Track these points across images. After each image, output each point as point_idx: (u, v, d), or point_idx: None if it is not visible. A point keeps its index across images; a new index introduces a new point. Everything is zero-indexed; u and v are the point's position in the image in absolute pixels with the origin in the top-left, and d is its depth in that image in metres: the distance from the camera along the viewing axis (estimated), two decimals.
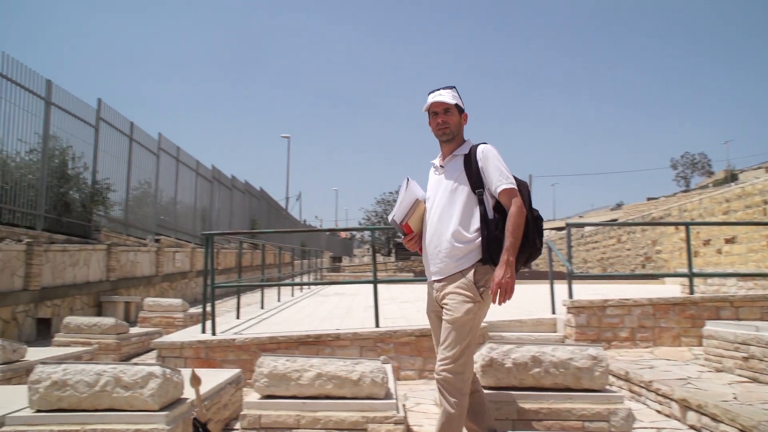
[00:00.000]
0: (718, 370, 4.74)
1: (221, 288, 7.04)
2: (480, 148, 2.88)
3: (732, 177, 48.80)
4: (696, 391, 3.97)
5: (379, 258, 36.52)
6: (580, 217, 67.43)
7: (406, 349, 5.74)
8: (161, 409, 2.96)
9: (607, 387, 3.58)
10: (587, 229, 25.36)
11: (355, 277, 22.79)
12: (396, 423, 3.19)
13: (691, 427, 3.79)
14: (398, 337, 5.74)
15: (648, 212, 21.66)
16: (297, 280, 16.53)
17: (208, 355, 5.55)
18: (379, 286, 6.22)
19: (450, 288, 2.78)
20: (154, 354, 5.87)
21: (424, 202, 2.97)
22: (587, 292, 8.87)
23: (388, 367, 4.10)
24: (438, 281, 2.84)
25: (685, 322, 6.20)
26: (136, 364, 3.08)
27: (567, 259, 6.79)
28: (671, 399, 4.05)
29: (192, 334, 6.14)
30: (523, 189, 2.83)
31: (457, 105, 2.89)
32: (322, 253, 27.95)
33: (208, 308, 6.23)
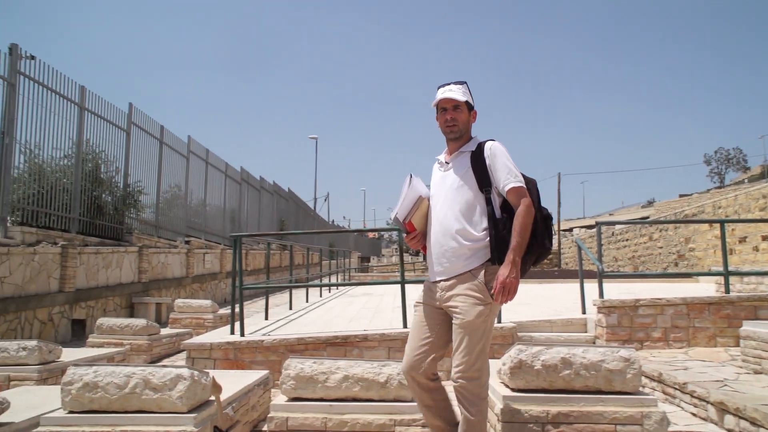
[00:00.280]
0: (757, 372, 4.60)
1: (250, 289, 7.09)
2: (488, 145, 2.82)
3: None
4: (734, 393, 3.86)
5: (408, 258, 36.50)
6: (611, 215, 66.40)
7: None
8: (189, 411, 2.99)
9: (640, 389, 3.49)
10: (618, 227, 24.94)
11: (383, 277, 22.78)
12: (423, 426, 3.16)
13: (729, 431, 3.68)
14: None
15: (681, 209, 21.20)
16: (325, 280, 16.60)
17: (237, 356, 5.60)
18: (408, 286, 6.20)
19: (459, 289, 2.70)
20: (184, 355, 5.94)
21: (428, 200, 2.88)
22: (618, 291, 8.71)
23: None
24: (444, 281, 2.75)
25: (721, 322, 6.04)
26: (164, 366, 3.11)
27: (597, 258, 6.67)
28: (707, 402, 3.94)
29: (221, 335, 6.20)
30: (531, 187, 2.79)
31: (467, 102, 2.82)
32: (350, 253, 28.05)
33: (237, 309, 6.28)
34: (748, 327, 4.96)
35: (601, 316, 6.09)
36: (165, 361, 7.32)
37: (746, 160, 62.45)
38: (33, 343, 4.89)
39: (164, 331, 8.08)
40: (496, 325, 5.82)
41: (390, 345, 5.68)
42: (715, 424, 3.83)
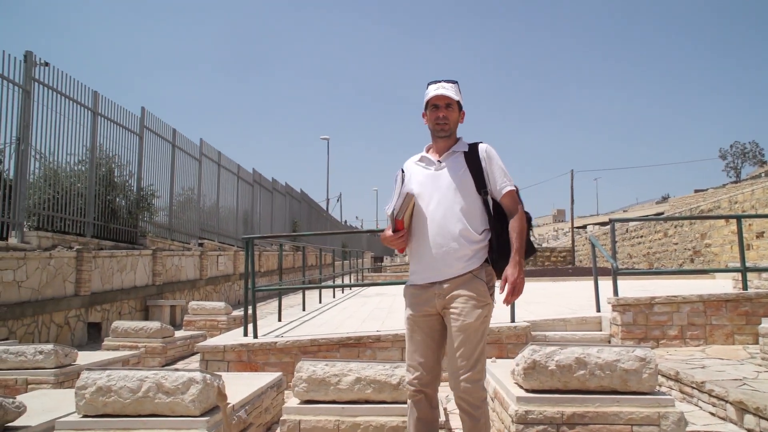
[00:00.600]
0: None
1: (263, 291, 7.11)
2: (483, 147, 2.81)
3: None
4: (753, 392, 3.79)
5: None
6: (624, 211, 65.86)
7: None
8: (202, 415, 2.99)
9: (657, 389, 3.44)
10: (632, 223, 24.70)
11: (397, 277, 22.76)
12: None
13: (749, 431, 3.61)
14: None
15: (696, 205, 20.97)
16: (338, 281, 16.61)
17: (250, 358, 5.61)
18: None
19: (459, 291, 2.64)
20: (198, 357, 5.96)
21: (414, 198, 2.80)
22: (633, 288, 8.62)
23: None
24: (440, 283, 2.67)
25: (739, 319, 5.95)
26: (177, 369, 3.12)
27: (611, 256, 6.61)
28: (726, 401, 3.87)
29: (234, 337, 6.22)
30: (517, 190, 2.86)
31: (458, 102, 2.80)
32: (363, 253, 28.05)
33: (250, 311, 6.29)
34: (767, 324, 4.88)
35: (616, 315, 6.03)
36: (179, 364, 7.36)
37: (763, 153, 61.63)
38: (49, 346, 4.94)
39: (178, 334, 8.12)
40: (510, 324, 5.78)
41: (404, 346, 5.63)
42: (735, 423, 3.77)
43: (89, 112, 10.58)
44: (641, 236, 23.17)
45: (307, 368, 3.34)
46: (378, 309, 8.75)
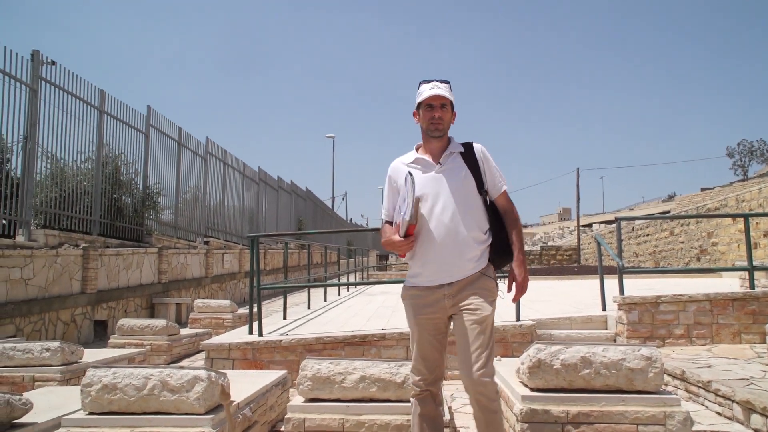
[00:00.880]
0: None
1: (268, 289, 7.12)
2: (479, 148, 2.84)
3: None
4: (760, 392, 3.77)
5: None
6: (631, 210, 65.63)
7: (453, 348, 5.63)
8: (207, 412, 3.00)
9: (663, 388, 3.43)
10: (638, 221, 24.61)
11: (402, 275, 22.76)
12: None
13: (756, 431, 3.59)
14: None
15: (702, 203, 20.87)
16: (343, 279, 16.63)
17: (255, 356, 5.62)
18: None
19: (471, 289, 2.67)
20: (203, 355, 5.98)
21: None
22: (639, 287, 8.59)
23: None
24: (449, 284, 2.68)
25: (746, 318, 5.92)
26: (182, 367, 3.13)
27: (617, 254, 6.58)
28: (733, 401, 3.85)
29: (239, 335, 6.23)
30: None
31: (452, 102, 2.80)
32: (368, 251, 28.06)
33: (255, 309, 6.30)
34: None
35: (621, 313, 6.01)
36: (185, 362, 7.38)
37: None
38: (56, 344, 4.96)
39: (184, 332, 8.15)
40: (515, 323, 5.77)
41: (408, 344, 5.65)
42: (741, 423, 3.75)
43: (95, 110, 10.62)
44: (647, 235, 23.08)
45: (312, 366, 3.34)
46: (383, 307, 8.75)
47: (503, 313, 5.16)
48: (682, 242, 19.75)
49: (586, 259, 31.74)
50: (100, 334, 9.23)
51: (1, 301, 7.21)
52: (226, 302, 9.83)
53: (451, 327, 2.76)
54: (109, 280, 9.62)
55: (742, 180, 50.55)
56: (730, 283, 9.70)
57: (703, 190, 47.51)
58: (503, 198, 2.83)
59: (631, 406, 3.25)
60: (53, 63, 9.39)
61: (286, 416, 3.28)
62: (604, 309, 6.58)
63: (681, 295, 6.00)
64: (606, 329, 6.31)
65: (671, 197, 61.51)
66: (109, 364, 3.89)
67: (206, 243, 14.88)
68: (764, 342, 5.58)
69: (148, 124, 12.59)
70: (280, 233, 18.21)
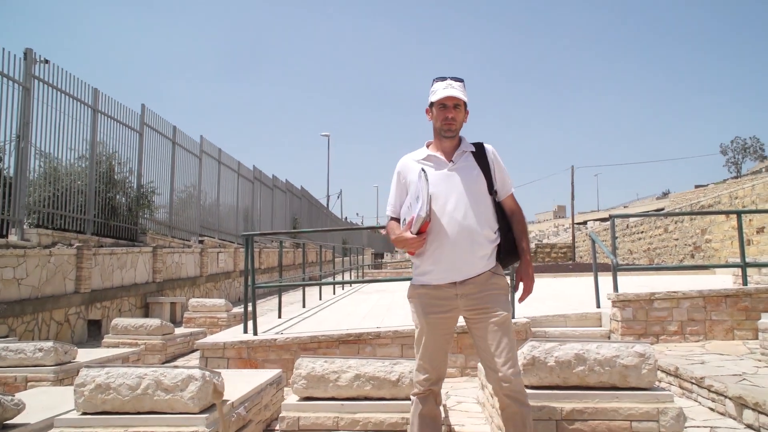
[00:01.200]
0: None
1: (262, 288, 7.11)
2: (490, 149, 2.86)
3: None
4: (753, 388, 3.79)
5: None
6: (625, 207, 65.86)
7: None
8: (201, 412, 2.99)
9: (656, 384, 3.45)
10: (633, 219, 24.69)
11: (396, 273, 22.76)
12: None
13: (749, 426, 3.62)
14: None
15: (696, 200, 20.95)
16: (338, 277, 16.62)
17: (250, 355, 5.61)
18: None
19: (486, 288, 2.69)
20: (198, 354, 5.97)
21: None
22: (633, 284, 8.62)
23: None
24: (461, 282, 2.68)
25: (739, 314, 5.95)
26: (176, 366, 3.12)
27: (611, 252, 6.61)
28: (725, 396, 3.88)
29: (234, 334, 6.22)
30: None
31: (465, 102, 2.79)
32: (363, 249, 28.04)
33: (250, 308, 6.30)
34: (766, 319, 4.88)
35: (615, 310, 6.03)
36: (179, 361, 7.37)
37: (763, 149, 61.63)
38: (49, 344, 4.94)
39: (178, 331, 8.13)
40: None
41: (403, 342, 5.66)
42: (734, 419, 3.77)
43: (89, 109, 10.57)
44: (642, 232, 23.16)
45: (306, 365, 3.34)
46: (378, 306, 8.75)
47: None
48: (676, 239, 19.84)
49: (581, 257, 31.83)
50: (94, 333, 9.20)
51: None
52: (221, 301, 9.82)
53: (462, 327, 2.81)
54: (103, 280, 9.59)
55: (736, 177, 50.79)
56: (724, 280, 9.75)
57: (697, 187, 47.73)
58: (511, 199, 2.87)
59: (625, 402, 3.27)
60: (46, 61, 9.34)
61: (280, 415, 3.28)
62: (598, 306, 6.61)
63: (675, 292, 6.03)
64: (600, 326, 6.34)
65: (665, 194, 61.77)
66: (102, 363, 3.87)
67: (201, 242, 14.85)
68: (757, 338, 5.60)
69: (143, 122, 12.54)
70: (274, 232, 18.19)
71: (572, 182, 37.64)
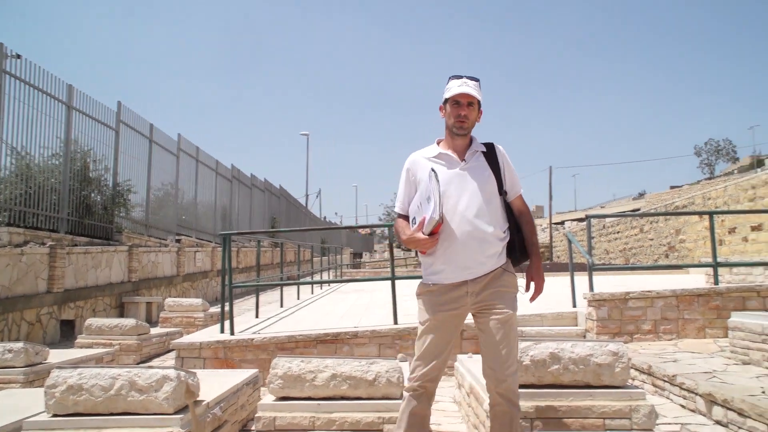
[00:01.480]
0: (745, 363, 4.62)
1: (240, 287, 7.06)
2: (500, 149, 2.88)
3: (758, 163, 47.82)
4: (722, 385, 3.87)
5: (400, 254, 36.50)
6: (602, 207, 66.71)
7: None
8: (176, 412, 2.96)
9: (629, 382, 3.50)
10: (609, 219, 25.02)
11: (375, 273, 22.78)
12: None
13: (717, 422, 3.69)
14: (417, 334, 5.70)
15: (671, 201, 21.30)
16: (317, 277, 16.57)
17: (227, 355, 5.57)
18: (401, 282, 6.18)
19: (494, 286, 2.71)
20: (174, 354, 5.91)
21: None
22: (609, 284, 8.73)
23: (405, 366, 4.06)
24: (472, 281, 2.70)
25: (710, 313, 6.06)
26: (151, 367, 3.08)
27: (587, 251, 6.68)
28: (696, 393, 3.95)
29: (211, 334, 6.17)
30: None
31: (479, 101, 2.80)
32: (342, 249, 28.00)
33: (227, 308, 6.25)
34: (736, 318, 4.98)
35: (591, 310, 6.10)
36: (155, 361, 7.28)
37: (735, 151, 62.87)
38: (19, 345, 4.85)
39: (154, 331, 8.03)
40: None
41: (381, 341, 5.67)
42: (704, 415, 3.84)
43: (63, 106, 10.39)
44: (618, 232, 23.48)
45: (283, 365, 3.33)
46: (356, 305, 8.75)
47: None
48: (652, 239, 20.15)
49: (559, 257, 32.17)
50: (67, 334, 9.05)
51: None
52: (198, 301, 9.72)
53: (471, 323, 2.79)
54: (77, 279, 9.43)
55: (709, 178, 51.79)
56: (697, 280, 9.93)
57: (672, 188, 48.53)
58: (520, 200, 2.90)
59: (599, 400, 3.31)
60: (18, 56, 9.16)
61: (256, 415, 3.26)
62: (574, 306, 6.68)
63: (649, 291, 6.12)
64: (576, 326, 6.41)
65: (642, 195, 62.65)
66: (75, 364, 3.81)
67: (178, 241, 14.69)
68: (727, 336, 5.72)
69: (119, 120, 12.37)
70: (252, 231, 18.07)
71: (550, 182, 38.04)
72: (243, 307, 10.46)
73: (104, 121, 11.82)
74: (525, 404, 3.28)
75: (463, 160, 2.78)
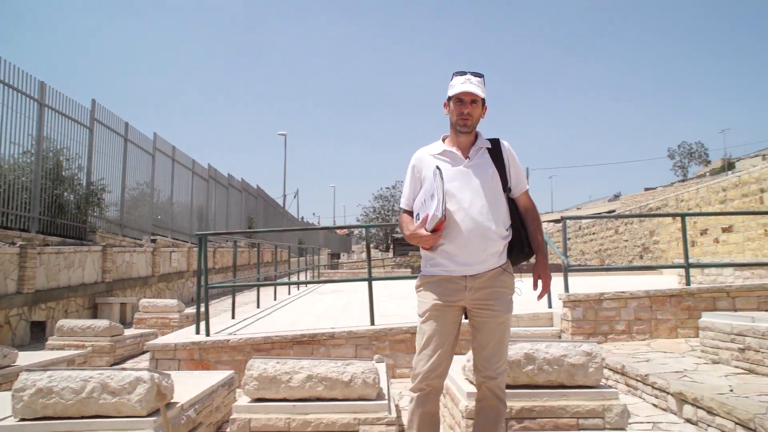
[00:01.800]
0: (715, 362, 4.72)
1: (216, 288, 7.00)
2: (506, 146, 2.87)
3: (729, 166, 48.87)
4: (692, 384, 3.94)
5: (377, 254, 36.51)
6: (578, 208, 67.50)
7: (402, 346, 5.72)
8: (149, 415, 2.93)
9: (602, 382, 3.55)
10: (585, 220, 25.33)
11: (353, 274, 22.75)
12: (388, 424, 3.16)
13: (687, 420, 3.76)
14: (394, 335, 5.70)
15: (645, 203, 21.65)
16: (294, 278, 16.49)
17: (202, 356, 5.52)
18: (378, 283, 6.18)
19: (494, 285, 2.71)
20: (148, 356, 5.83)
21: None
22: (585, 284, 8.84)
23: (381, 367, 4.06)
24: (472, 276, 2.70)
25: (682, 313, 6.17)
26: (124, 368, 3.04)
27: (563, 252, 6.76)
28: (667, 392, 4.02)
29: (186, 335, 6.10)
30: None
31: (483, 98, 2.79)
32: (319, 250, 27.91)
33: (203, 309, 6.19)
34: (706, 318, 5.08)
35: (566, 310, 6.17)
36: (129, 363, 7.18)
37: (707, 154, 64.25)
38: None
39: (128, 332, 7.91)
40: (463, 320, 5.85)
41: (357, 342, 5.66)
42: (675, 414, 3.91)
43: (35, 103, 10.18)
44: (593, 233, 23.79)
45: (258, 366, 3.30)
46: (333, 306, 8.73)
47: None
48: (626, 240, 20.45)
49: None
50: (37, 335, 8.87)
51: None
52: (173, 302, 9.61)
53: (465, 320, 2.78)
54: (48, 280, 9.25)
55: (682, 181, 52.79)
56: (669, 280, 10.11)
57: (646, 190, 49.35)
58: (525, 196, 2.89)
59: (572, 400, 3.35)
60: None
61: (231, 417, 3.24)
62: (550, 306, 6.74)
63: (623, 292, 6.21)
64: (552, 326, 6.48)
65: (617, 197, 63.57)
66: (45, 366, 3.74)
67: (153, 241, 14.49)
68: (698, 336, 5.83)
69: (93, 118, 12.16)
70: (229, 232, 17.91)
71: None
72: (219, 308, 10.36)
73: (78, 119, 11.61)
74: None
75: (467, 157, 2.78)
